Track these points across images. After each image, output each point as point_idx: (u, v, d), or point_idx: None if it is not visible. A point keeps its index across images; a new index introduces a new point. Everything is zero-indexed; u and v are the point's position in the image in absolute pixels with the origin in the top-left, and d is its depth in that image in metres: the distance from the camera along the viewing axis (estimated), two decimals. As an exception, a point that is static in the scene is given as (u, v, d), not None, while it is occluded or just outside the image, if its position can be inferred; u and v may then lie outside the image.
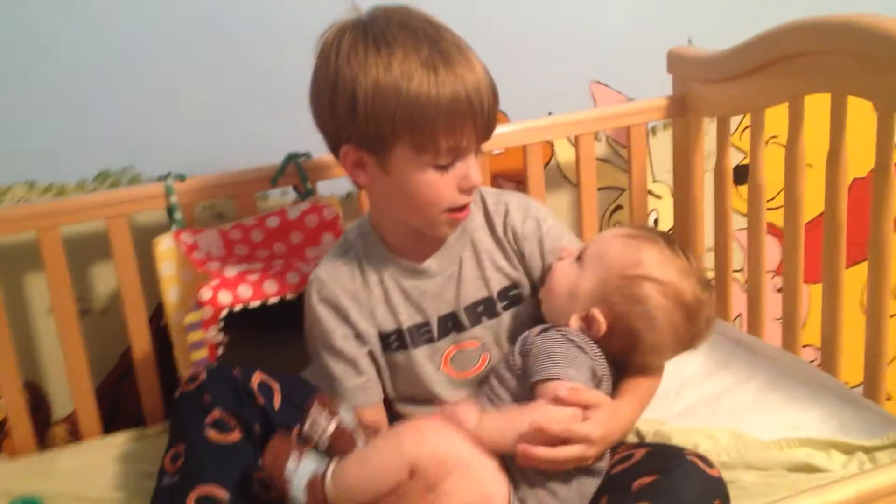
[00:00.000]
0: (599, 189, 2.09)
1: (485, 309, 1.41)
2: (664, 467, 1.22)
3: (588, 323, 1.28)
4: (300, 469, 1.22)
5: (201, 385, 1.29)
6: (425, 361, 1.41)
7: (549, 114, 1.97)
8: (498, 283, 1.42)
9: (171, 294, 1.60)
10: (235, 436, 1.28)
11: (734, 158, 1.96)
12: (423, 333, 1.40)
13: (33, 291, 1.75)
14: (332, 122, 1.29)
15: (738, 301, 2.04)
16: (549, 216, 1.45)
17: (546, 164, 2.04)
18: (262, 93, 1.78)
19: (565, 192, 2.05)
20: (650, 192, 2.14)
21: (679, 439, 1.43)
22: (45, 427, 1.84)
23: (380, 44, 1.24)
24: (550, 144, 2.03)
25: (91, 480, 1.53)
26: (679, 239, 1.97)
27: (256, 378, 1.32)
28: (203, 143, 1.77)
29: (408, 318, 1.40)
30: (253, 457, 1.27)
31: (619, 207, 2.12)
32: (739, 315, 2.21)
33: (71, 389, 1.70)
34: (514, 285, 1.43)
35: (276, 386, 1.33)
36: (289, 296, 1.53)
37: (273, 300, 1.53)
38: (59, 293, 1.63)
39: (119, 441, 1.68)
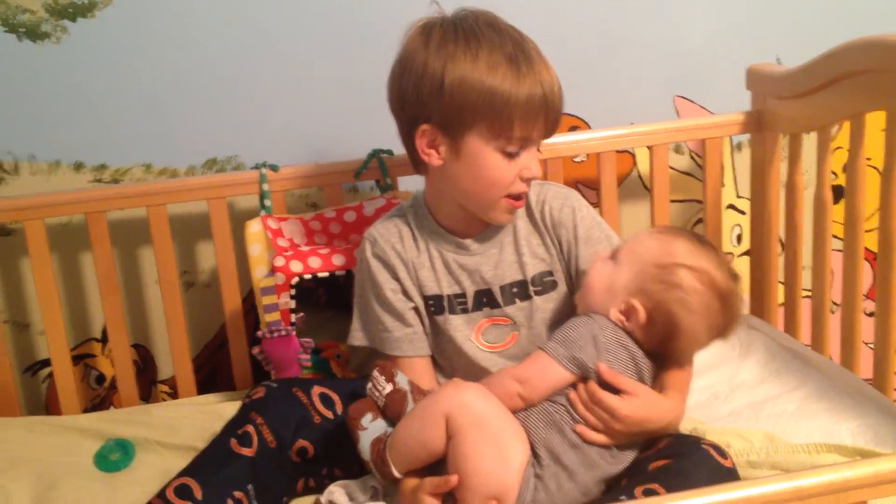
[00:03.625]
0: (682, 202, 2.16)
1: (518, 291, 1.52)
2: (679, 453, 1.30)
3: (628, 314, 1.36)
4: (373, 426, 1.38)
5: (254, 402, 1.47)
6: (459, 329, 1.53)
7: (631, 125, 2.04)
8: (533, 269, 1.52)
9: (258, 273, 1.76)
10: (249, 451, 1.42)
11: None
12: (459, 303, 1.53)
13: (146, 263, 1.96)
14: (414, 103, 1.41)
15: (806, 320, 2.03)
16: (584, 206, 1.54)
17: (628, 175, 2.12)
18: (358, 93, 1.93)
19: (646, 203, 2.11)
20: (734, 208, 2.18)
21: (712, 438, 1.46)
22: (151, 386, 2.05)
23: (469, 38, 1.38)
24: (632, 155, 2.10)
25: (178, 431, 1.71)
26: (755, 253, 2.02)
27: (316, 391, 1.49)
28: (304, 137, 1.95)
29: (447, 287, 1.53)
30: (252, 473, 1.42)
31: (700, 220, 2.16)
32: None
33: (171, 354, 1.89)
34: (549, 272, 1.53)
35: (335, 396, 1.50)
36: (356, 270, 1.66)
37: (340, 273, 1.69)
38: (164, 266, 1.83)
39: (209, 401, 1.86)
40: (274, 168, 1.81)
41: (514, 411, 1.33)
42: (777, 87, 1.84)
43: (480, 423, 1.29)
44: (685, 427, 1.52)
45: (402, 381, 1.41)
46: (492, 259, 1.52)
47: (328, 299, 1.88)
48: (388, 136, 1.72)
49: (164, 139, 1.91)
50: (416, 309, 1.54)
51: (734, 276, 1.37)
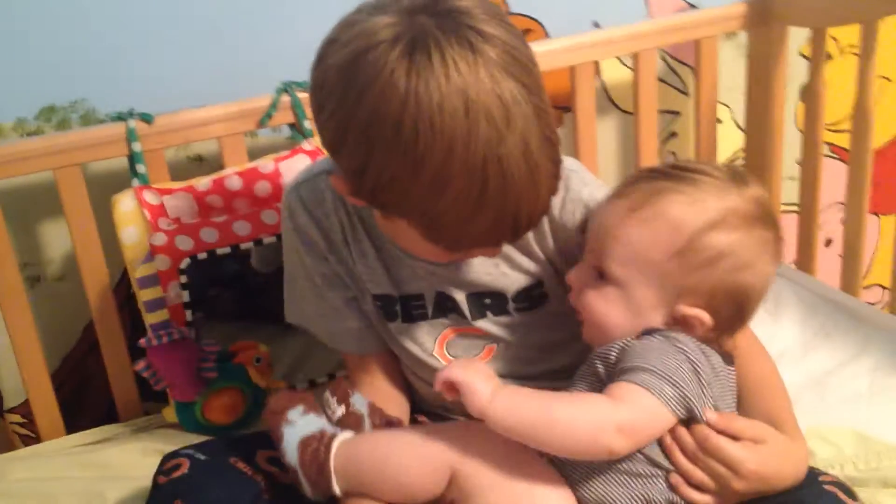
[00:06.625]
0: (652, 113, 1.77)
1: (493, 303, 1.10)
2: (794, 499, 0.95)
3: (684, 324, 0.96)
4: (304, 420, 1.01)
5: (174, 482, 1.01)
6: (418, 339, 1.12)
7: (596, 25, 1.63)
8: (515, 282, 1.09)
9: (138, 266, 1.28)
10: None
11: (803, 73, 1.62)
12: (416, 307, 1.11)
13: (-31, 257, 1.42)
14: (328, 151, 0.94)
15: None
16: (595, 188, 1.07)
17: (589, 86, 1.70)
18: (249, 9, 1.42)
19: (611, 119, 1.72)
20: (709, 116, 1.81)
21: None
22: (-4, 417, 1.53)
23: (423, 114, 0.83)
24: (595, 62, 1.69)
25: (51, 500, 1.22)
26: (754, 172, 1.66)
27: (263, 457, 1.05)
28: (175, 71, 1.42)
29: (399, 285, 1.10)
30: None
31: (673, 135, 1.79)
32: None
33: (22, 376, 1.40)
34: (538, 284, 1.09)
35: None
36: (266, 239, 1.27)
37: (246, 244, 1.26)
38: None
39: (87, 440, 1.40)
40: (147, 119, 1.29)
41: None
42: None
43: (496, 483, 0.93)
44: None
45: (358, 402, 1.06)
46: (450, 270, 1.08)
47: (240, 306, 1.41)
48: (303, 64, 1.24)
49: (-24, 83, 1.35)
50: (356, 299, 1.12)
51: (740, 177, 0.98)
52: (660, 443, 0.93)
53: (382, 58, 0.84)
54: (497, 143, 0.84)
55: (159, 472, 1.04)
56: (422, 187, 0.86)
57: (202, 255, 1.27)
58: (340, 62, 0.87)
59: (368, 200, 0.93)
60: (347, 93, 0.86)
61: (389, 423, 1.05)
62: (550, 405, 0.91)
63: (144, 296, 1.29)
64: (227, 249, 1.28)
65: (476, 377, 0.92)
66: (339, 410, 1.04)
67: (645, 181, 0.99)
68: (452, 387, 0.93)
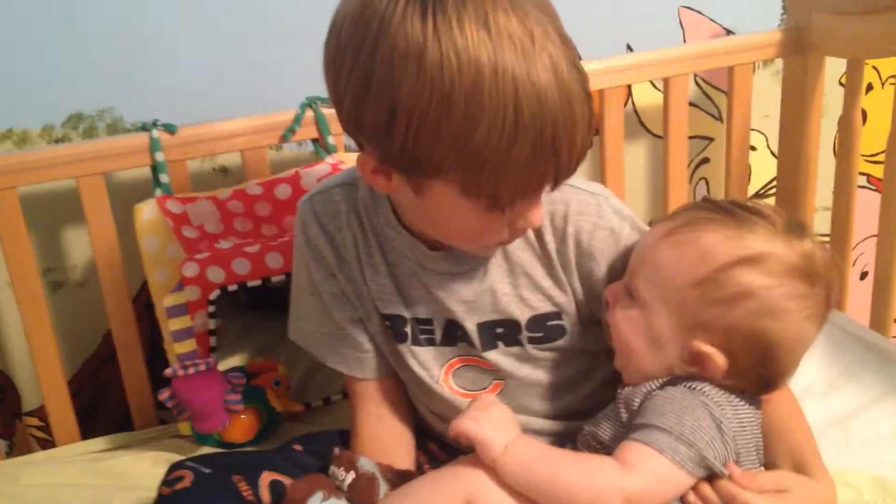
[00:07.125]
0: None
1: (505, 332, 1.06)
2: None
3: (700, 364, 0.93)
4: None
5: (178, 494, 0.99)
6: (425, 364, 1.08)
7: (629, 48, 1.60)
8: (532, 307, 1.05)
9: (157, 275, 1.29)
10: None
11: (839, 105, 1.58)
12: (424, 331, 1.07)
13: (-8, 260, 1.43)
14: (354, 123, 0.89)
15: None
16: (625, 219, 1.04)
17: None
18: (277, 23, 1.42)
19: (642, 143, 1.70)
20: (743, 143, 1.78)
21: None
22: (15, 420, 1.54)
23: (444, 44, 0.80)
24: (627, 86, 1.67)
25: (61, 506, 1.23)
26: (785, 201, 1.64)
27: (266, 479, 1.03)
28: (202, 83, 1.43)
29: (409, 307, 1.07)
30: None
31: (705, 161, 1.76)
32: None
33: (39, 381, 1.39)
34: (557, 313, 1.05)
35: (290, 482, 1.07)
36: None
37: (277, 278, 1.22)
38: (18, 264, 1.33)
39: (99, 447, 1.39)
40: (170, 129, 1.29)
41: None
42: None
43: None
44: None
45: (365, 464, 1.03)
46: (468, 285, 1.04)
47: (251, 300, 1.41)
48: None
49: (6, 89, 1.36)
50: (362, 320, 1.09)
51: (799, 230, 0.94)
52: (682, 500, 0.90)
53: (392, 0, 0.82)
54: (525, 63, 0.80)
55: (164, 482, 1.03)
56: (454, 122, 0.81)
57: (232, 287, 1.24)
58: (349, 18, 0.84)
59: (399, 164, 0.88)
60: (363, 43, 0.83)
61: (402, 476, 1.03)
62: (558, 467, 0.89)
63: (173, 325, 1.26)
64: (258, 282, 1.24)
65: (489, 430, 0.91)
66: (349, 477, 1.02)
67: (695, 209, 0.97)
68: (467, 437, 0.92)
